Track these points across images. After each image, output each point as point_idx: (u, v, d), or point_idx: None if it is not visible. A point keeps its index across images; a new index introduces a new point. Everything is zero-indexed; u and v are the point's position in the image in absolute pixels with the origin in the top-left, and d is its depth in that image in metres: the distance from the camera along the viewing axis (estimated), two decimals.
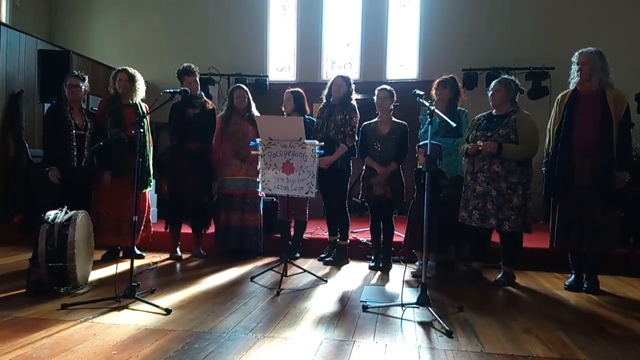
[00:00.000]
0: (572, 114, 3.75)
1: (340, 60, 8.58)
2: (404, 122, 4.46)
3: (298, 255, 4.87)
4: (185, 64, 4.76)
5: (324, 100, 4.68)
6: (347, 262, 4.68)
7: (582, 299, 3.61)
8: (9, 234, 5.46)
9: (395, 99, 4.46)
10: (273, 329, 2.76)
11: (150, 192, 4.87)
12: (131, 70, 4.59)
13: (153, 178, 4.82)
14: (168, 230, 4.84)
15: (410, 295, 3.25)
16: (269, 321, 2.90)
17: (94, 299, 3.20)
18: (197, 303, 3.27)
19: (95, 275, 3.93)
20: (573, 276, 3.92)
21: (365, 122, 4.54)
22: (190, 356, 2.35)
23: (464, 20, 7.84)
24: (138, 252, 4.61)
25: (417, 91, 3.44)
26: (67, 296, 3.33)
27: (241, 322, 2.87)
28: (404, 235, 4.21)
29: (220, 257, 4.80)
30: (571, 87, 3.87)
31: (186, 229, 4.91)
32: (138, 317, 2.94)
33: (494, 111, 4.06)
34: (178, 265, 4.61)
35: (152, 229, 4.85)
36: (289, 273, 3.96)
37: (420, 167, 4.04)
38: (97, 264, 4.23)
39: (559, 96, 3.93)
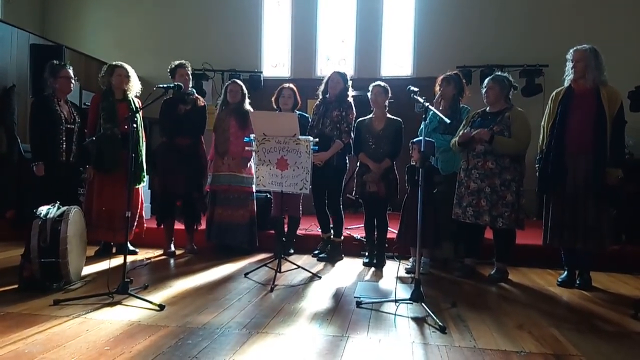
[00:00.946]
0: (566, 111, 3.76)
1: (335, 56, 8.57)
2: (399, 119, 4.45)
3: (292, 251, 4.87)
4: (176, 61, 4.76)
5: (320, 97, 4.66)
6: (341, 259, 4.68)
7: (574, 296, 3.63)
8: (0, 229, 5.42)
9: (390, 95, 4.46)
10: (267, 325, 2.76)
11: (143, 188, 4.85)
12: (127, 65, 4.56)
13: (146, 174, 4.80)
14: (161, 226, 4.83)
15: (404, 291, 3.27)
16: (262, 317, 2.90)
17: (87, 295, 3.18)
18: (191, 299, 3.27)
19: (88, 270, 3.90)
20: (566, 273, 3.94)
21: (360, 119, 4.54)
22: (184, 352, 2.34)
23: (459, 18, 7.84)
24: (131, 248, 4.59)
25: (412, 88, 3.44)
26: (59, 292, 3.31)
27: (235, 318, 2.86)
28: (396, 232, 4.21)
29: (214, 253, 4.79)
30: (565, 84, 3.88)
31: (179, 225, 4.90)
32: (131, 313, 2.93)
33: (488, 108, 4.06)
34: (171, 261, 4.60)
35: (145, 225, 4.83)
36: (283, 269, 3.96)
37: (413, 163, 4.05)
38: (90, 260, 4.21)
39: (553, 93, 3.94)
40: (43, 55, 5.81)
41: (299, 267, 4.10)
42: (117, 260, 4.01)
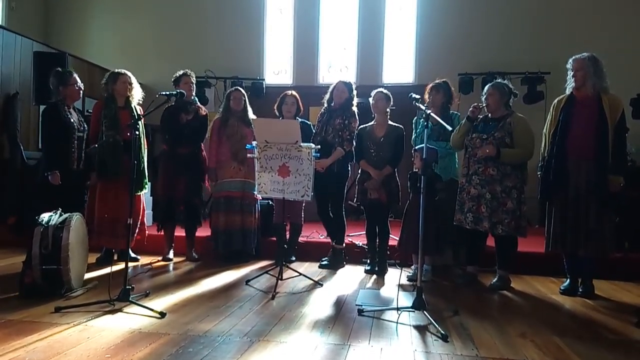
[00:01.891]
0: (568, 119, 3.76)
1: (337, 64, 8.59)
2: (400, 126, 4.46)
3: (294, 258, 4.86)
4: (181, 71, 4.78)
5: (325, 105, 4.68)
6: (343, 266, 4.66)
7: (577, 304, 3.62)
8: (2, 235, 5.42)
9: (391, 102, 4.46)
10: (268, 333, 2.75)
11: (145, 195, 4.86)
12: (129, 73, 4.58)
13: (148, 181, 4.80)
14: (162, 232, 4.84)
15: (406, 299, 3.26)
16: (264, 325, 2.89)
17: (88, 302, 3.18)
18: (192, 306, 3.26)
19: (89, 277, 3.89)
20: (568, 280, 3.92)
21: (361, 126, 4.54)
22: None
23: (461, 25, 7.86)
24: (133, 255, 4.59)
25: (414, 95, 3.46)
26: (60, 299, 3.30)
27: (236, 326, 2.85)
28: (397, 239, 4.20)
29: (215, 260, 4.78)
30: (567, 92, 3.88)
31: (180, 232, 4.89)
32: (132, 320, 2.92)
33: (489, 114, 4.07)
34: (173, 268, 4.59)
35: (147, 232, 4.82)
36: (284, 276, 3.96)
37: (416, 170, 4.04)
38: (92, 267, 4.20)
39: (555, 101, 3.95)
40: (46, 63, 5.83)
41: (300, 274, 4.09)
42: (119, 267, 3.99)
